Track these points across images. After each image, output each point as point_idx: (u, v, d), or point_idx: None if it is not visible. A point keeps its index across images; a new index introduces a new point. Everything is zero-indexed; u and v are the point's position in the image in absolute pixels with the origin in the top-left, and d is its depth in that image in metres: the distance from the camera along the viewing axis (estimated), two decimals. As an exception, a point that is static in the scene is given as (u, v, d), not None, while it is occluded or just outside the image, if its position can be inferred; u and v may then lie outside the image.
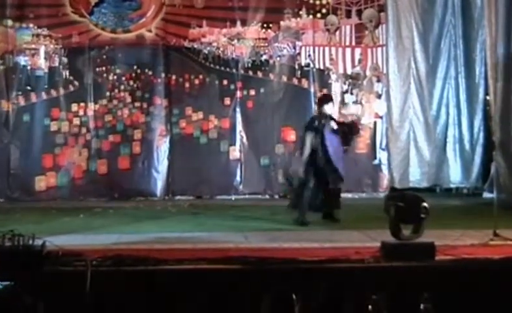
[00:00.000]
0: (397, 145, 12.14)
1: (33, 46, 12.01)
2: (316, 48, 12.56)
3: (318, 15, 12.53)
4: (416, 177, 12.08)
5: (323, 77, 12.53)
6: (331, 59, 12.57)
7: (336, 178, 9.35)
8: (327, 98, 9.87)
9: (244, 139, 12.31)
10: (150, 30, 12.24)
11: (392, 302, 5.07)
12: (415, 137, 12.13)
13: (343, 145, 9.41)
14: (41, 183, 11.91)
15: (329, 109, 9.42)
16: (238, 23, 12.39)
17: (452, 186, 12.39)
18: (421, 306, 4.85)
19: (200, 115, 12.31)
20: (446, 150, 12.23)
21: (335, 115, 9.99)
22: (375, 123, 12.57)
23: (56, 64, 12.07)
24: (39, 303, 4.96)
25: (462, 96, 12.16)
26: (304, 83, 12.49)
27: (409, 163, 12.08)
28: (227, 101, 12.35)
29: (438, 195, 11.89)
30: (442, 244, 6.54)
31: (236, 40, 12.40)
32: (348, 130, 9.60)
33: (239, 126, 12.31)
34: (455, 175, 12.23)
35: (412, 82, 12.11)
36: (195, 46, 12.30)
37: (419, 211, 6.37)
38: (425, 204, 6.39)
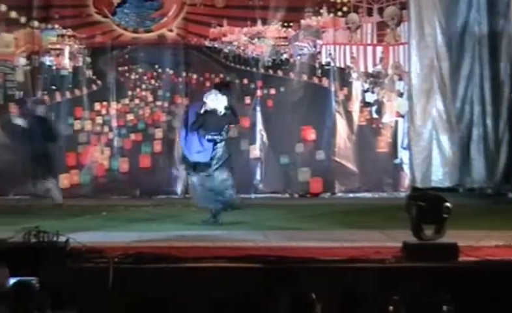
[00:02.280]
0: (418, 144, 12.09)
1: (58, 46, 12.16)
2: (337, 47, 12.54)
3: (339, 13, 12.51)
4: (438, 176, 12.02)
5: (344, 75, 12.52)
6: (352, 58, 12.55)
7: None
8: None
9: (264, 138, 12.33)
10: (171, 30, 12.32)
11: (413, 303, 5.08)
12: (438, 136, 12.07)
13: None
14: (64, 181, 12.02)
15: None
16: (259, 22, 12.41)
17: (475, 186, 12.21)
18: (443, 308, 4.85)
19: (221, 113, 12.35)
20: (470, 149, 12.10)
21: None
22: (396, 122, 12.53)
23: (80, 63, 12.20)
24: (47, 300, 5.04)
25: (487, 95, 12.02)
26: (324, 81, 12.49)
27: (431, 162, 12.03)
28: (247, 100, 12.39)
29: (461, 195, 11.72)
30: (465, 244, 6.49)
31: (256, 39, 12.42)
32: None
33: (259, 125, 12.34)
34: (478, 174, 12.09)
35: (434, 80, 12.05)
36: (216, 45, 12.35)
37: (441, 211, 6.34)
38: (447, 204, 6.36)
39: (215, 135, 9.12)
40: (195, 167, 9.20)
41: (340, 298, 5.53)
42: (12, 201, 11.52)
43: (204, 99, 9.20)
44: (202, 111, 9.15)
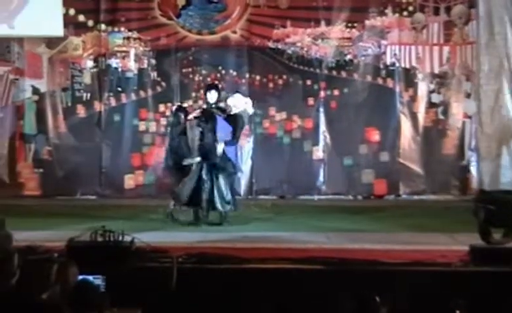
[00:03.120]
0: (486, 146, 11.84)
1: (124, 49, 12.35)
2: (402, 47, 12.37)
3: (405, 13, 12.33)
4: (508, 178, 11.70)
5: (409, 76, 12.34)
6: (417, 58, 12.36)
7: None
8: (209, 87, 9.88)
9: (327, 139, 12.27)
10: (234, 32, 12.37)
11: (480, 309, 4.97)
12: (507, 138, 11.80)
13: None
14: (130, 181, 12.22)
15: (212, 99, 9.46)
16: (323, 22, 12.34)
17: (546, 188, 11.93)
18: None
19: (284, 115, 12.34)
20: (542, 150, 11.82)
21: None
22: (463, 123, 12.28)
23: (145, 65, 12.36)
24: (109, 298, 5.11)
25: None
26: (389, 82, 12.33)
27: (500, 164, 11.75)
28: (311, 101, 12.33)
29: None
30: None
31: (320, 40, 12.36)
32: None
33: (322, 126, 12.27)
34: (550, 177, 11.78)
35: (503, 81, 11.76)
36: (279, 47, 12.33)
37: (510, 214, 6.20)
38: (517, 207, 6.21)
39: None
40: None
41: (404, 302, 5.46)
42: (78, 201, 11.78)
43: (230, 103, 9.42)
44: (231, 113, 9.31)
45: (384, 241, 7.68)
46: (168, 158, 9.76)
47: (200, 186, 9.11)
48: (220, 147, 9.21)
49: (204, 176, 9.13)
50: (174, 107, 9.61)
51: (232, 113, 9.41)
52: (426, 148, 12.21)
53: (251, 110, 9.64)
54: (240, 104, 9.38)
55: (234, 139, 9.38)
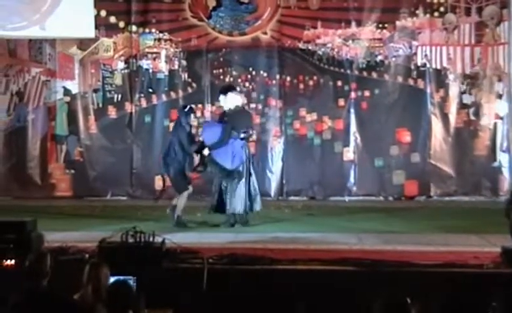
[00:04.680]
0: (519, 147, 11.72)
1: (155, 50, 12.42)
2: (433, 48, 12.27)
3: (436, 14, 12.23)
4: (540, 180, 11.60)
5: (440, 77, 12.24)
6: (448, 59, 12.25)
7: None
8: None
9: (358, 140, 12.21)
10: (265, 33, 12.37)
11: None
12: (540, 139, 11.68)
13: None
14: (160, 182, 12.23)
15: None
16: (353, 23, 12.29)
17: None
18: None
19: (314, 116, 12.32)
20: None
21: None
22: (495, 124, 12.14)
23: (176, 67, 12.42)
24: (142, 299, 5.13)
25: None
26: (420, 83, 12.24)
27: (532, 165, 11.63)
28: (341, 102, 12.29)
29: None
30: None
31: (350, 41, 12.30)
32: None
33: (353, 127, 12.21)
34: None
35: (535, 81, 11.67)
36: (310, 47, 12.31)
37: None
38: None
39: (245, 132, 9.18)
40: (238, 172, 9.14)
41: (436, 304, 5.42)
42: (109, 201, 11.86)
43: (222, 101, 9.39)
44: (226, 110, 9.23)
45: (415, 243, 7.63)
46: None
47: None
48: (205, 152, 9.22)
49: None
50: (186, 109, 9.60)
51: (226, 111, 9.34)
52: (458, 149, 12.10)
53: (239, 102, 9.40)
54: (231, 101, 9.33)
55: (219, 142, 9.18)
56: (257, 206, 9.27)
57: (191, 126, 9.53)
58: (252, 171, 9.31)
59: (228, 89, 9.63)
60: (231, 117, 9.21)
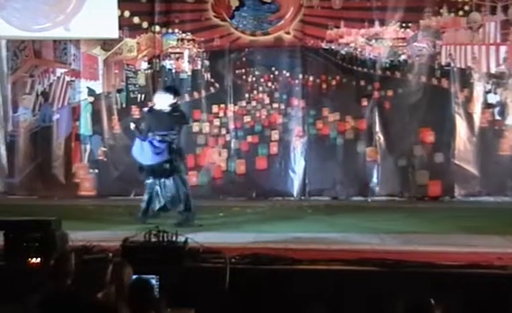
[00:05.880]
0: (544, 147, 11.59)
1: (178, 50, 12.46)
2: (458, 47, 12.18)
3: (460, 13, 12.12)
4: None
5: (464, 76, 12.14)
6: (473, 58, 12.14)
7: None
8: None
9: (381, 140, 12.15)
10: (288, 32, 12.35)
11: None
12: None
13: None
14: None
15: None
16: (376, 23, 12.23)
17: None
18: None
19: (337, 115, 12.28)
20: None
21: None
22: (520, 123, 12.05)
23: (199, 67, 12.45)
24: (164, 298, 5.16)
25: None
26: (444, 83, 12.15)
27: (558, 166, 11.50)
28: (364, 102, 12.23)
29: None
30: None
31: (373, 40, 12.25)
32: None
33: (376, 127, 12.16)
34: None
35: (561, 80, 11.54)
36: (333, 47, 12.27)
37: None
38: None
39: (165, 134, 9.20)
40: (154, 170, 9.26)
41: (459, 305, 5.39)
42: (133, 201, 11.92)
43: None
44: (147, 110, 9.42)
45: (438, 243, 7.59)
46: None
47: None
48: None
49: None
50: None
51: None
52: (482, 149, 12.00)
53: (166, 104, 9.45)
54: (161, 101, 9.40)
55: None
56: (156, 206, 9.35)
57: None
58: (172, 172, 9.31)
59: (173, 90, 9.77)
60: (152, 114, 9.39)
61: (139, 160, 9.42)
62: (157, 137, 9.21)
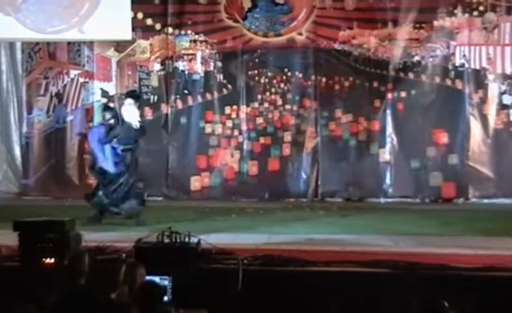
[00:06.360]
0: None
1: (190, 52, 12.49)
2: (472, 48, 12.12)
3: (475, 13, 12.06)
4: None
5: (479, 77, 12.07)
6: (488, 59, 12.08)
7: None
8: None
9: (394, 142, 12.12)
10: (300, 34, 12.34)
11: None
12: None
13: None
14: (196, 183, 12.34)
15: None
16: (390, 24, 12.19)
17: None
18: None
19: (350, 117, 12.26)
20: None
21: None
22: (536, 124, 11.97)
23: (211, 68, 12.47)
24: (176, 299, 5.16)
25: None
26: (458, 84, 12.10)
27: None
28: (377, 103, 12.20)
29: None
30: None
31: (387, 41, 12.22)
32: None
33: (389, 128, 12.12)
34: None
35: None
36: (345, 48, 12.25)
37: None
38: None
39: (128, 145, 9.43)
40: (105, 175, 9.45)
41: (473, 307, 5.35)
42: (146, 202, 11.92)
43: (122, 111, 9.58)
44: (113, 122, 9.50)
45: (452, 245, 7.54)
46: None
47: None
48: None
49: None
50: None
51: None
52: (497, 150, 11.93)
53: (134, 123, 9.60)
54: (129, 115, 9.52)
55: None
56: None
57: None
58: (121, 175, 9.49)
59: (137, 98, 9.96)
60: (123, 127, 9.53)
61: (100, 160, 9.52)
62: (121, 147, 9.43)
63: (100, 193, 9.46)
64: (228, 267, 6.36)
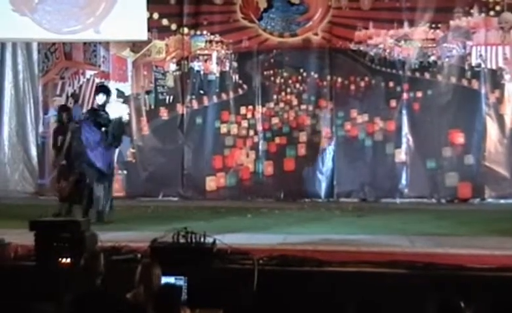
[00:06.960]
0: None
1: (206, 52, 12.51)
2: (489, 47, 12.04)
3: (491, 13, 11.99)
4: None
5: (495, 77, 12.00)
6: (504, 59, 12.00)
7: (91, 173, 9.55)
8: (97, 89, 10.14)
9: (410, 142, 12.07)
10: (316, 34, 12.33)
11: None
12: None
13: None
14: (211, 183, 12.36)
15: (100, 100, 9.70)
16: (406, 23, 12.15)
17: None
18: None
19: (366, 117, 12.22)
20: None
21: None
22: (552, 125, 11.88)
23: (227, 68, 12.48)
24: (192, 299, 5.17)
25: None
26: (474, 84, 12.03)
27: None
28: (393, 103, 12.16)
29: None
30: None
31: (403, 41, 12.17)
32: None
33: (405, 129, 12.08)
34: None
35: None
36: (361, 48, 12.21)
37: None
38: None
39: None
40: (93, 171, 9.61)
41: (490, 308, 5.32)
42: (161, 202, 11.98)
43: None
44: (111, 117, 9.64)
45: (469, 246, 7.50)
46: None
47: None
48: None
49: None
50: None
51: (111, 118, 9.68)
52: (514, 151, 11.86)
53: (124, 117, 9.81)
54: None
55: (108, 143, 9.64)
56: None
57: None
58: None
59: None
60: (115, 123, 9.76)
61: (91, 154, 9.58)
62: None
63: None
64: (243, 267, 6.37)
